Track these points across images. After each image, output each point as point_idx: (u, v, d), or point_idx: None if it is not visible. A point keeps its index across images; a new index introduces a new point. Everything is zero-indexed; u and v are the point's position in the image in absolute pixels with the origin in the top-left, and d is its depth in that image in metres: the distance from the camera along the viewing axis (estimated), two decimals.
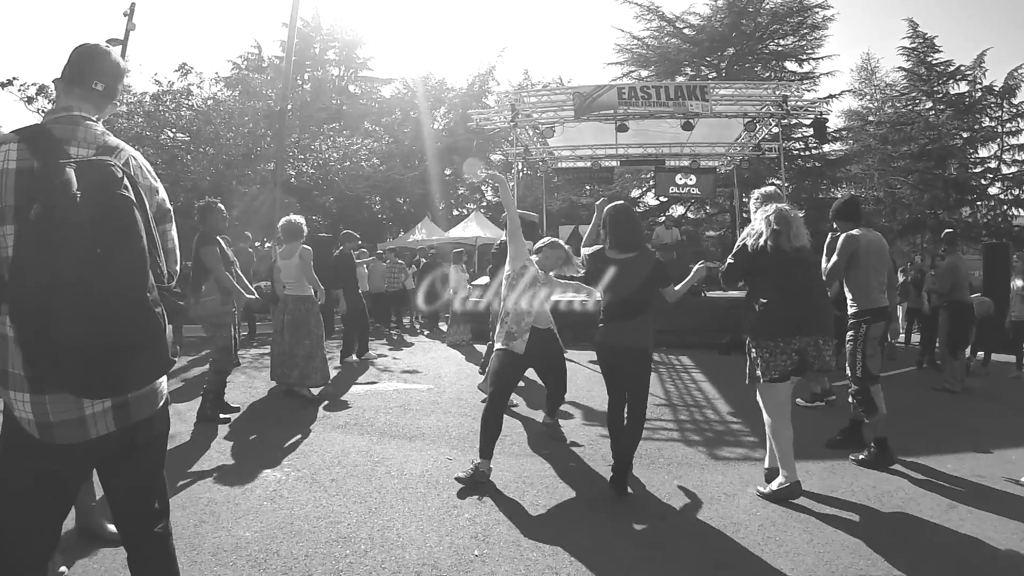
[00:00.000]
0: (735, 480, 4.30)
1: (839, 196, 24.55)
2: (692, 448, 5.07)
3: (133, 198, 1.76)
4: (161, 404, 2.01)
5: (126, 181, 1.77)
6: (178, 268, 2.15)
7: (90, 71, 2.00)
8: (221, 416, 5.74)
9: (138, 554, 2.04)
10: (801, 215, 4.14)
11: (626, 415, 4.15)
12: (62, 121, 1.90)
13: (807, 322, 3.90)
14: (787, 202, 4.33)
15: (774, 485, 3.97)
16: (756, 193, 4.44)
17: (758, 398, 4.12)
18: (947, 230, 8.82)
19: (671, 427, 5.76)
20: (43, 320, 1.62)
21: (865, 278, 4.77)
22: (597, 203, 4.75)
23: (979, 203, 24.44)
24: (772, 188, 4.49)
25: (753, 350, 4.01)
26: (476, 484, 4.08)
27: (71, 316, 1.63)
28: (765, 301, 3.96)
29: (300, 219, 6.81)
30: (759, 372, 3.94)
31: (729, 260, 4.26)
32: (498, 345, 4.52)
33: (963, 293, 7.82)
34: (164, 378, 2.02)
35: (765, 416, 4.06)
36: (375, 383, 7.70)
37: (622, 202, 4.49)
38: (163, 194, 2.08)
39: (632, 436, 4.05)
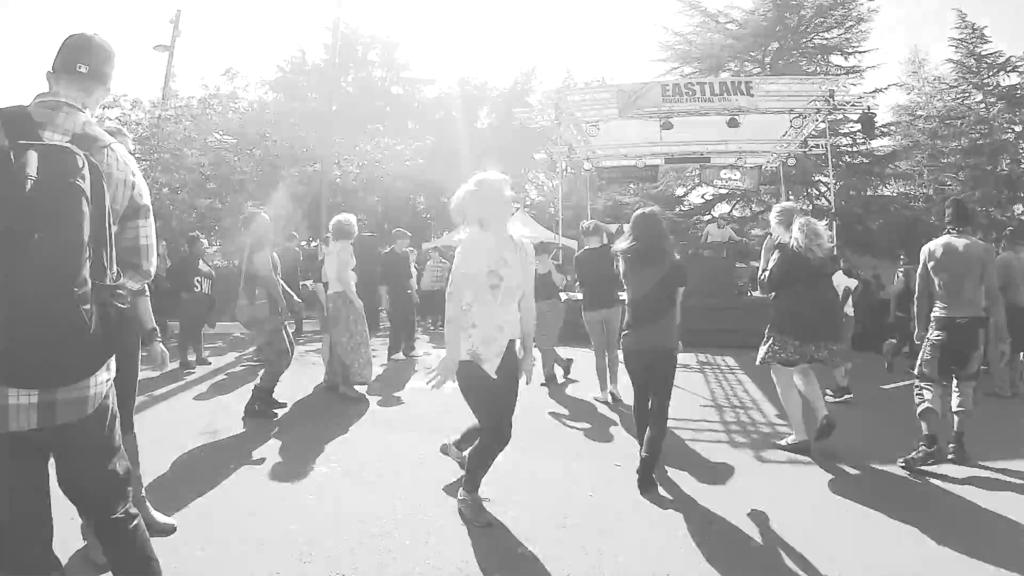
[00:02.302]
0: (781, 484, 4.21)
1: (886, 193, 24.17)
2: (738, 450, 4.98)
3: (88, 190, 1.73)
4: (93, 410, 1.88)
5: (85, 171, 1.74)
6: (152, 268, 2.14)
7: (74, 57, 2.02)
8: (269, 411, 5.86)
9: (102, 539, 2.06)
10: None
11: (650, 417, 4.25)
12: (45, 105, 1.91)
13: (816, 329, 4.63)
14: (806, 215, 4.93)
15: (789, 440, 4.88)
16: (776, 208, 5.05)
17: (772, 374, 4.91)
18: (1009, 228, 8.53)
19: (717, 429, 5.67)
20: None
21: (936, 285, 4.77)
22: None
23: None
24: (792, 203, 5.26)
25: (770, 338, 4.79)
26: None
27: None
28: (788, 305, 4.68)
29: (350, 218, 6.85)
30: (766, 354, 4.79)
31: (771, 268, 4.80)
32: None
33: (1016, 294, 7.43)
34: (104, 386, 1.93)
35: (777, 387, 4.89)
36: (421, 381, 7.73)
37: (652, 208, 4.56)
38: (140, 189, 2.07)
39: (654, 436, 4.10)
